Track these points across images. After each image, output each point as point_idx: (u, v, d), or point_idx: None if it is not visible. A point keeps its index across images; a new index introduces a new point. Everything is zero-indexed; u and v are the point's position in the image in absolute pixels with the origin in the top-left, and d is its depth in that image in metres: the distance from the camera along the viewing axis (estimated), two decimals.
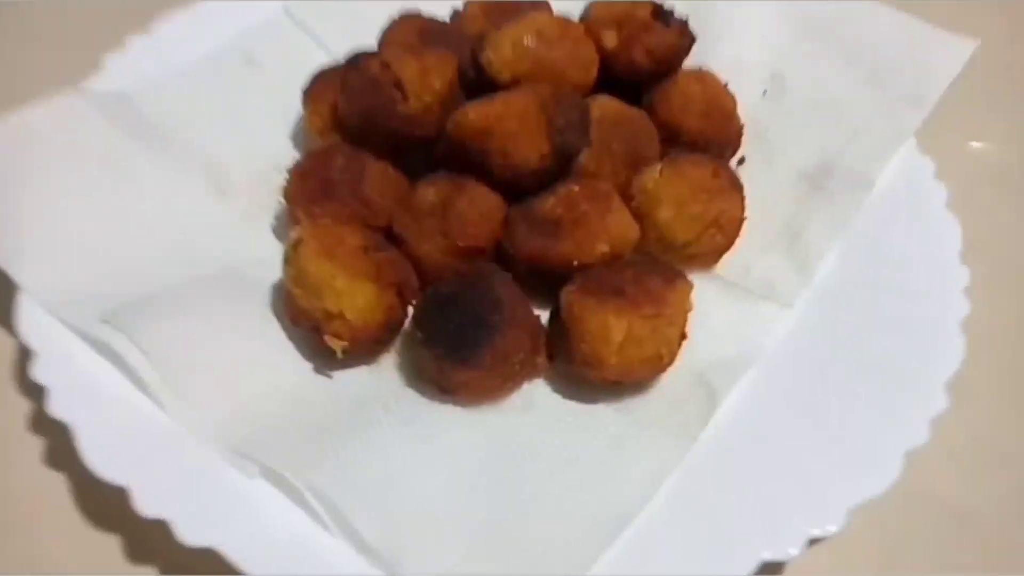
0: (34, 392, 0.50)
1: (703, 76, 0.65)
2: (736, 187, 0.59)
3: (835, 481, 0.48)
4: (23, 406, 0.54)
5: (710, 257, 0.59)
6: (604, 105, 0.61)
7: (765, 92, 0.71)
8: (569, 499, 0.47)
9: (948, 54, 0.69)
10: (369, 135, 0.57)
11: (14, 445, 0.52)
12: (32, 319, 0.49)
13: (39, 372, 0.48)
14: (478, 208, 0.55)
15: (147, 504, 0.44)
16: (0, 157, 0.55)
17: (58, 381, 0.47)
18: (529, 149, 0.54)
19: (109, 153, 0.59)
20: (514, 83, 0.59)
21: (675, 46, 0.62)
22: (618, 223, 0.54)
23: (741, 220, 0.59)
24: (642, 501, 0.47)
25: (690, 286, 0.52)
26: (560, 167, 0.56)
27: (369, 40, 0.68)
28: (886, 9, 0.73)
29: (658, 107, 0.64)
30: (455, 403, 0.51)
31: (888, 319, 0.56)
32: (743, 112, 0.68)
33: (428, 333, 0.50)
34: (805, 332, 0.56)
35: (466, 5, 0.72)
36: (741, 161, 0.67)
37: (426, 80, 0.55)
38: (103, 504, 0.47)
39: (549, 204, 0.55)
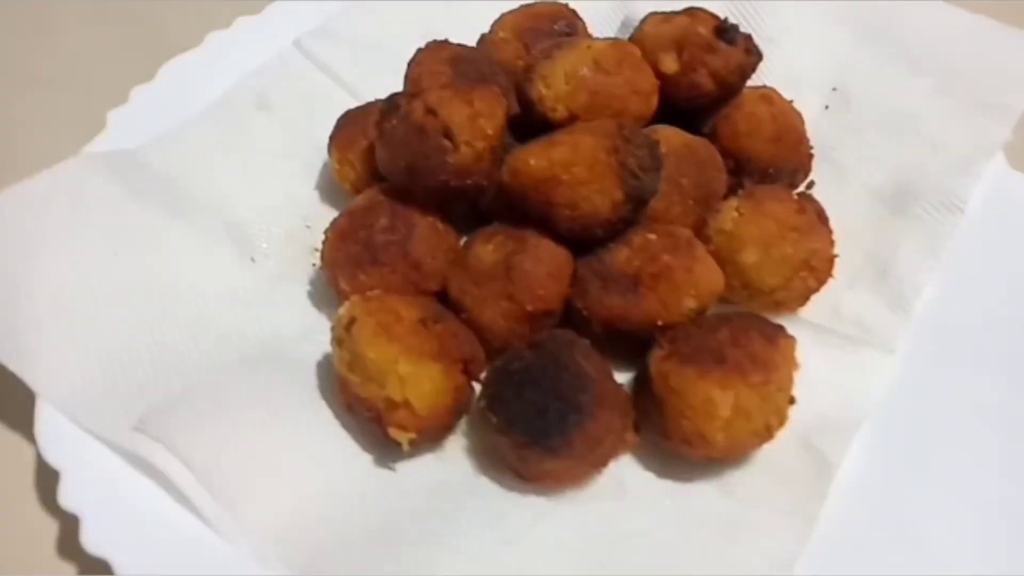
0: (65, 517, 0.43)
1: (769, 95, 0.59)
2: (824, 221, 0.53)
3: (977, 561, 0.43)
4: (52, 530, 0.47)
5: (798, 301, 0.53)
6: (668, 137, 0.55)
7: (827, 107, 0.65)
8: None
9: None
10: (414, 188, 0.51)
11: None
12: (54, 432, 0.43)
13: (68, 497, 0.41)
14: (544, 266, 0.49)
15: None
16: (2, 234, 0.49)
17: (91, 507, 0.41)
18: (600, 197, 0.48)
19: (122, 223, 0.52)
20: (570, 120, 0.53)
21: (742, 66, 0.56)
22: (705, 274, 0.48)
23: (833, 259, 0.53)
24: None
25: (794, 342, 0.47)
26: (633, 214, 0.50)
27: (391, 72, 0.62)
28: (953, 9, 0.67)
29: (723, 133, 0.58)
30: (536, 492, 0.45)
31: (1004, 356, 0.51)
32: (808, 128, 0.62)
33: (506, 417, 0.44)
34: (913, 379, 0.51)
35: (494, 26, 0.66)
36: (811, 185, 0.61)
37: (476, 125, 0.49)
38: None
39: (624, 256, 0.49)
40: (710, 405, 0.43)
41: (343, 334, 0.45)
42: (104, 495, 0.41)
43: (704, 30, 0.56)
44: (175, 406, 0.44)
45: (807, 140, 0.60)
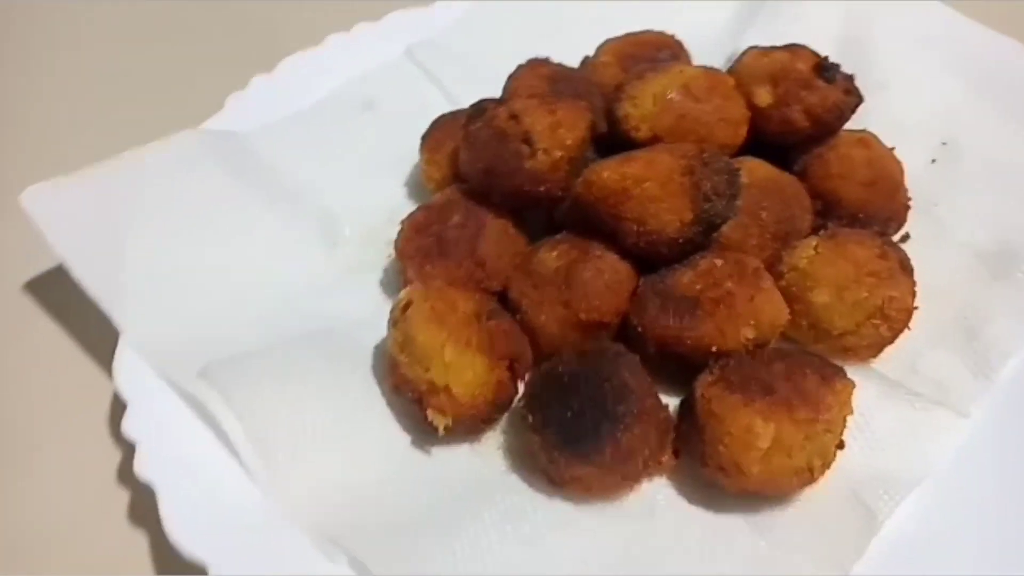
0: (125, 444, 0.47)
1: (867, 140, 0.58)
2: (907, 271, 0.51)
3: None
4: (114, 457, 0.51)
5: (870, 350, 0.51)
6: (753, 169, 0.54)
7: (934, 160, 0.63)
8: None
9: None
10: (491, 190, 0.52)
11: (102, 495, 0.49)
12: (129, 368, 0.47)
13: (130, 426, 0.45)
14: (605, 278, 0.49)
15: None
16: (112, 195, 0.53)
17: (147, 438, 0.44)
18: (669, 216, 0.48)
19: (221, 196, 0.57)
20: (653, 140, 0.53)
21: (839, 106, 0.55)
22: (768, 305, 0.47)
23: (911, 311, 0.51)
24: None
25: (852, 386, 0.45)
26: (702, 237, 0.49)
27: (494, 86, 0.64)
28: None
29: (814, 173, 0.57)
30: (565, 498, 0.45)
31: None
32: (907, 182, 0.60)
33: (542, 418, 0.44)
34: (983, 445, 0.48)
35: (598, 51, 0.67)
36: (905, 238, 0.59)
37: (556, 134, 0.50)
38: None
39: (687, 278, 0.48)
40: (749, 434, 0.42)
41: (399, 316, 0.47)
42: (161, 429, 0.45)
43: (803, 66, 0.55)
44: (239, 363, 0.47)
45: (904, 190, 0.58)
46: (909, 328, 0.52)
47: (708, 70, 0.55)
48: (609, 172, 0.48)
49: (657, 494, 0.46)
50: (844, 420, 0.44)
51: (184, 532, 0.41)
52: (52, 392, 0.54)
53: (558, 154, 0.50)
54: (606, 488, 0.45)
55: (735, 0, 0.75)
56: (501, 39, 0.73)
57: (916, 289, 0.51)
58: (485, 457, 0.47)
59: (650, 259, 0.50)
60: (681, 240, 0.48)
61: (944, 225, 0.59)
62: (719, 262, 0.49)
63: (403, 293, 0.48)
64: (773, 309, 0.48)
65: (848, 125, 0.62)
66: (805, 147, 0.57)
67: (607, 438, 0.42)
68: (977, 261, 0.57)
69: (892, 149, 0.59)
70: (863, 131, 0.59)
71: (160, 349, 0.48)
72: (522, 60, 0.67)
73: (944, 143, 0.64)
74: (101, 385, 0.52)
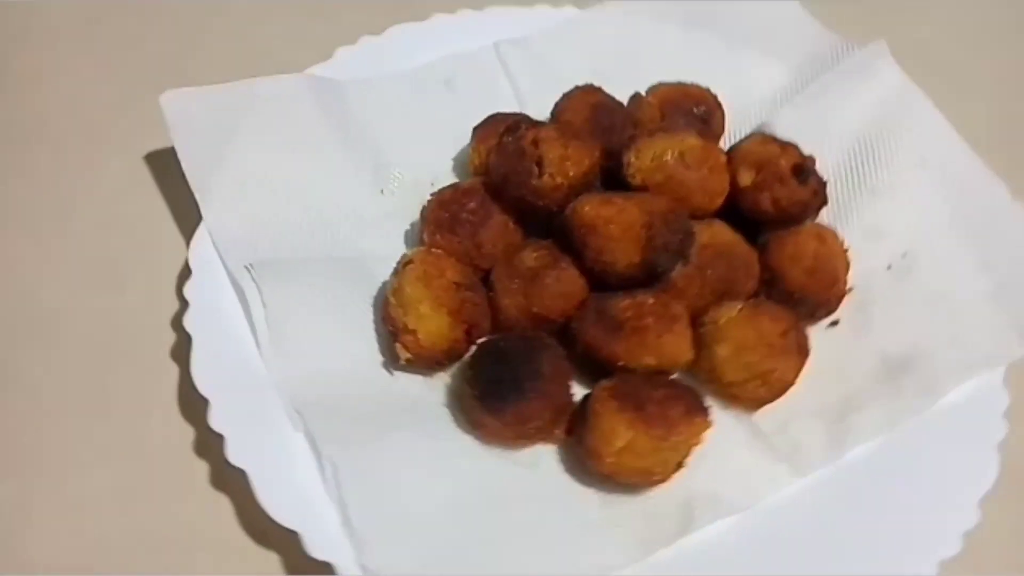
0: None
1: (824, 235, 0.68)
2: (800, 353, 0.63)
3: None
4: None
5: (751, 403, 0.63)
6: (717, 232, 0.66)
7: (890, 267, 0.73)
8: (533, 555, 0.55)
9: None
10: (504, 192, 0.66)
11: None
12: (206, 369, 0.59)
13: (216, 421, 0.57)
14: (562, 285, 0.62)
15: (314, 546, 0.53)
16: (226, 109, 0.70)
17: (234, 429, 0.57)
18: (621, 255, 0.61)
19: (307, 128, 0.72)
20: (642, 189, 0.66)
21: (803, 204, 0.66)
22: (672, 344, 0.60)
23: (788, 384, 0.62)
24: None
25: (707, 425, 0.58)
26: (647, 278, 0.62)
27: (554, 95, 0.76)
28: None
29: (770, 250, 0.68)
30: (475, 437, 0.60)
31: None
32: (860, 278, 0.71)
33: (473, 373, 0.59)
34: (805, 499, 0.60)
35: (649, 91, 0.78)
36: (834, 323, 0.70)
37: (563, 165, 0.63)
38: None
39: (622, 305, 0.61)
40: (612, 434, 0.56)
41: (400, 268, 0.62)
42: (245, 420, 0.57)
43: (785, 163, 0.66)
44: (279, 265, 0.63)
45: (841, 284, 0.68)
46: (797, 394, 0.64)
47: (707, 144, 0.67)
48: (589, 207, 0.62)
49: (544, 454, 0.61)
50: (690, 448, 0.57)
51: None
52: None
53: (560, 180, 0.64)
54: (504, 439, 0.60)
55: (794, 68, 0.84)
56: (583, 55, 0.84)
57: (804, 368, 0.63)
58: (431, 389, 0.63)
59: (601, 283, 0.63)
60: (627, 276, 0.62)
61: (871, 324, 0.69)
62: (651, 300, 0.62)
63: (409, 251, 0.63)
64: (677, 349, 0.61)
65: (833, 218, 0.73)
66: (773, 226, 0.69)
67: (510, 404, 0.57)
68: (879, 361, 0.67)
69: (846, 249, 0.69)
70: (827, 227, 0.70)
71: (226, 236, 0.64)
72: (587, 76, 0.80)
73: (904, 254, 0.73)
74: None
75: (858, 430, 0.63)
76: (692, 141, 0.66)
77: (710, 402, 0.62)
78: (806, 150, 0.75)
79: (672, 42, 0.87)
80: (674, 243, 0.61)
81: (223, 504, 0.58)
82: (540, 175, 0.63)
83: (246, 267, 0.62)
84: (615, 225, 0.60)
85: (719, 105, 0.79)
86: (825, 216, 0.75)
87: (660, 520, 0.58)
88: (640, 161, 0.65)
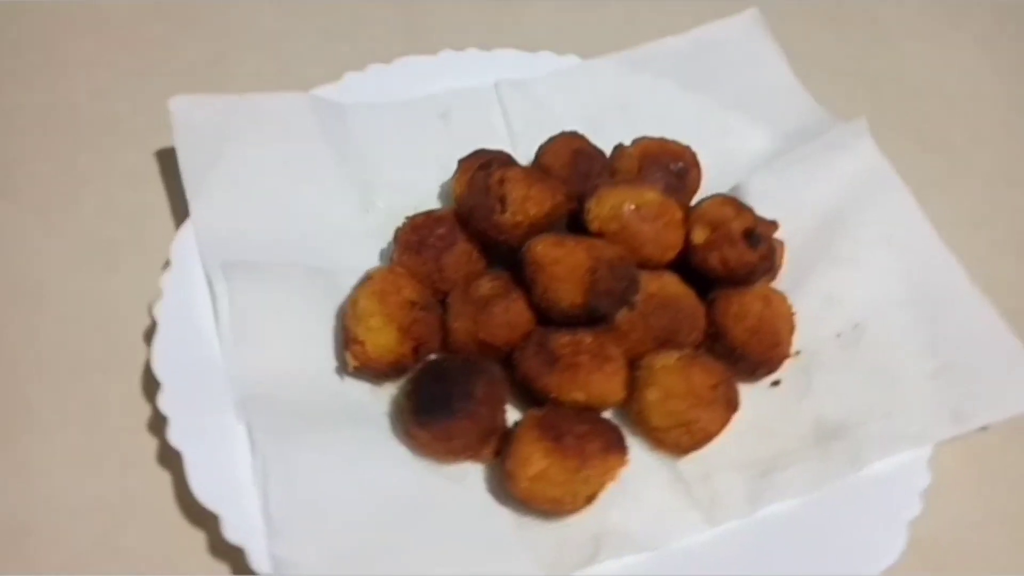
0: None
1: (771, 298, 0.71)
2: (728, 407, 0.66)
3: None
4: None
5: (675, 448, 0.66)
6: (666, 283, 0.70)
7: (839, 335, 0.75)
8: (440, 564, 0.58)
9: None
10: (470, 223, 0.70)
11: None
12: (164, 354, 0.64)
13: (163, 403, 0.61)
14: (509, 316, 0.66)
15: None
16: (229, 117, 0.76)
17: (178, 412, 0.61)
18: (564, 295, 0.64)
19: (303, 144, 0.77)
20: (598, 235, 0.69)
21: (750, 266, 0.69)
22: (601, 383, 0.64)
23: (711, 435, 0.65)
24: None
25: (622, 463, 0.61)
26: (590, 319, 0.66)
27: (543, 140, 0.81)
28: (991, 314, 0.73)
29: (717, 306, 0.71)
30: (408, 447, 0.64)
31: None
32: (809, 343, 0.73)
33: (411, 387, 0.63)
34: (713, 548, 0.63)
35: (632, 142, 0.82)
36: (776, 383, 0.73)
37: (524, 204, 0.67)
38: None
39: (562, 340, 0.65)
40: (528, 460, 0.59)
41: (360, 282, 0.67)
42: (186, 368, 0.63)
43: (738, 226, 0.69)
44: (251, 266, 0.68)
45: (784, 346, 0.71)
46: (726, 446, 0.67)
47: (665, 200, 0.70)
48: (541, 246, 0.66)
49: (472, 472, 0.64)
50: (603, 484, 0.61)
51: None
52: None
53: (520, 218, 0.68)
54: (433, 452, 0.63)
55: (779, 136, 0.88)
56: (579, 102, 0.89)
57: (731, 422, 0.66)
58: (378, 399, 0.66)
59: (548, 318, 0.67)
60: (570, 315, 0.65)
61: (811, 388, 0.71)
62: (588, 339, 0.65)
63: (373, 268, 0.68)
64: (605, 388, 0.64)
65: (791, 282, 0.76)
66: (723, 284, 0.72)
67: (438, 420, 0.61)
68: (813, 424, 0.69)
69: (794, 313, 0.72)
70: (776, 291, 0.72)
71: (209, 234, 0.69)
72: (588, 126, 0.84)
73: (856, 325, 0.75)
74: None
75: (778, 488, 0.65)
76: (651, 195, 0.69)
77: (636, 443, 0.66)
78: (773, 215, 0.79)
79: (666, 98, 0.91)
80: (617, 289, 0.65)
81: (164, 481, 0.63)
82: (502, 211, 0.68)
83: (221, 264, 0.68)
84: (561, 266, 0.64)
85: (696, 163, 0.82)
86: (784, 279, 0.78)
87: (569, 548, 0.61)
88: (599, 209, 0.69)
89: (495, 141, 0.83)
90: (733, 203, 0.71)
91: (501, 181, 0.68)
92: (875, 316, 0.75)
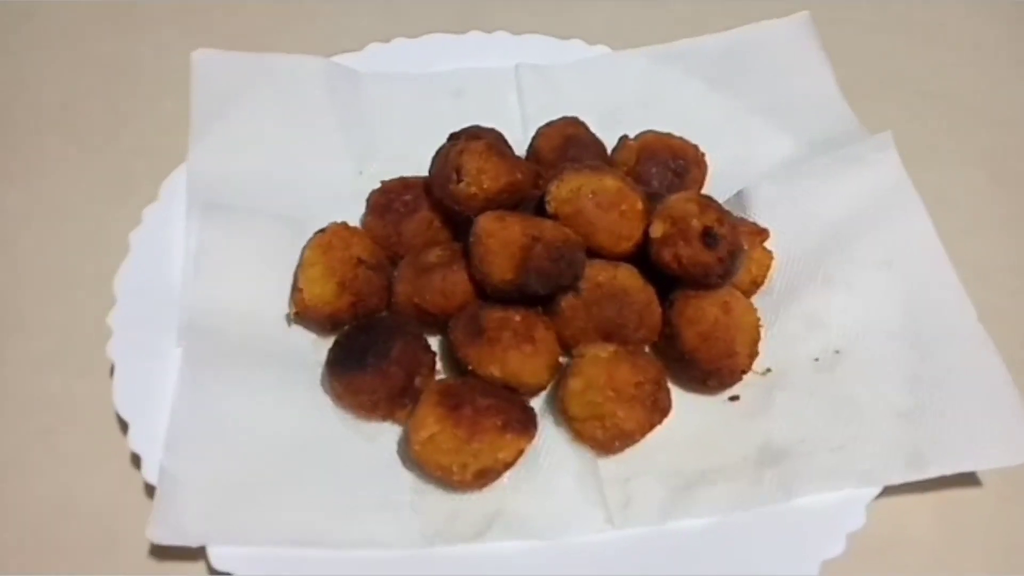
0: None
1: (732, 305, 0.67)
2: (652, 409, 0.63)
3: None
4: None
5: (594, 443, 0.64)
6: (619, 275, 0.67)
7: (817, 359, 0.70)
8: (323, 511, 0.60)
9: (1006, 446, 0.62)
10: (431, 191, 0.72)
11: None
12: (126, 275, 0.69)
13: (113, 317, 0.67)
14: (445, 284, 0.67)
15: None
16: (247, 74, 0.81)
17: (121, 323, 0.66)
18: (495, 268, 0.64)
19: (309, 106, 0.82)
20: (554, 217, 0.68)
21: (704, 267, 0.65)
22: (516, 362, 0.63)
23: (627, 434, 0.62)
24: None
25: (518, 445, 0.60)
26: (522, 297, 0.65)
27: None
28: (992, 357, 0.66)
29: (674, 306, 0.68)
30: (330, 396, 0.66)
31: None
32: (782, 363, 0.69)
33: (338, 340, 0.65)
34: (609, 547, 0.60)
35: (637, 136, 0.80)
36: (734, 398, 0.69)
37: (479, 177, 0.67)
38: None
39: (493, 315, 0.65)
40: (422, 422, 0.60)
41: (315, 233, 0.69)
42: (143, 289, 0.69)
43: (697, 223, 0.66)
44: (230, 211, 0.72)
45: (740, 358, 0.67)
46: (653, 448, 0.64)
47: (623, 188, 0.68)
48: (484, 219, 0.66)
49: (387, 432, 0.65)
50: (496, 461, 0.59)
51: None
52: None
53: (474, 190, 0.68)
54: (348, 405, 0.65)
55: (803, 144, 0.82)
56: (600, 92, 0.88)
57: (657, 427, 0.64)
58: (318, 348, 0.68)
59: (484, 291, 0.67)
60: (501, 290, 0.65)
61: (770, 408, 0.67)
62: (517, 318, 0.64)
63: (331, 222, 0.70)
64: (520, 367, 0.63)
65: (778, 297, 0.72)
66: (683, 284, 0.68)
67: (349, 373, 0.63)
68: (759, 446, 0.64)
69: (761, 326, 0.68)
70: (742, 300, 0.68)
71: (200, 176, 0.75)
72: (607, 118, 0.83)
73: (837, 351, 0.70)
74: None
75: (697, 503, 0.62)
76: (610, 183, 0.67)
77: (560, 433, 0.64)
78: (773, 225, 0.75)
79: (692, 96, 0.88)
80: (553, 271, 0.64)
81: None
82: (458, 181, 0.68)
83: (201, 203, 0.72)
84: (495, 240, 0.64)
85: (699, 163, 0.79)
86: (771, 293, 0.73)
87: (460, 521, 0.61)
88: (559, 191, 0.68)
89: (505, 120, 0.82)
90: (700, 200, 0.67)
91: (460, 152, 0.69)
92: (858, 344, 0.69)
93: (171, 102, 0.89)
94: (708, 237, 0.65)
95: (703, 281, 0.67)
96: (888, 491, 0.62)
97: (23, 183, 0.82)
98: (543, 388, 0.66)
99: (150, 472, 0.59)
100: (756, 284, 0.73)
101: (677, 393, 0.69)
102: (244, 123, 0.80)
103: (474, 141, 0.69)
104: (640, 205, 0.68)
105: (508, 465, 0.61)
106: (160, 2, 1.00)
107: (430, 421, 0.60)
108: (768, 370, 0.70)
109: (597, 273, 0.67)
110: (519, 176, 0.69)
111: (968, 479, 0.66)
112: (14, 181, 0.82)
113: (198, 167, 0.76)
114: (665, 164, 0.78)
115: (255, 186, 0.77)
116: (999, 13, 1.04)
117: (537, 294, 0.65)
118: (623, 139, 0.80)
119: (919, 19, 1.03)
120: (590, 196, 0.67)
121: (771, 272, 0.74)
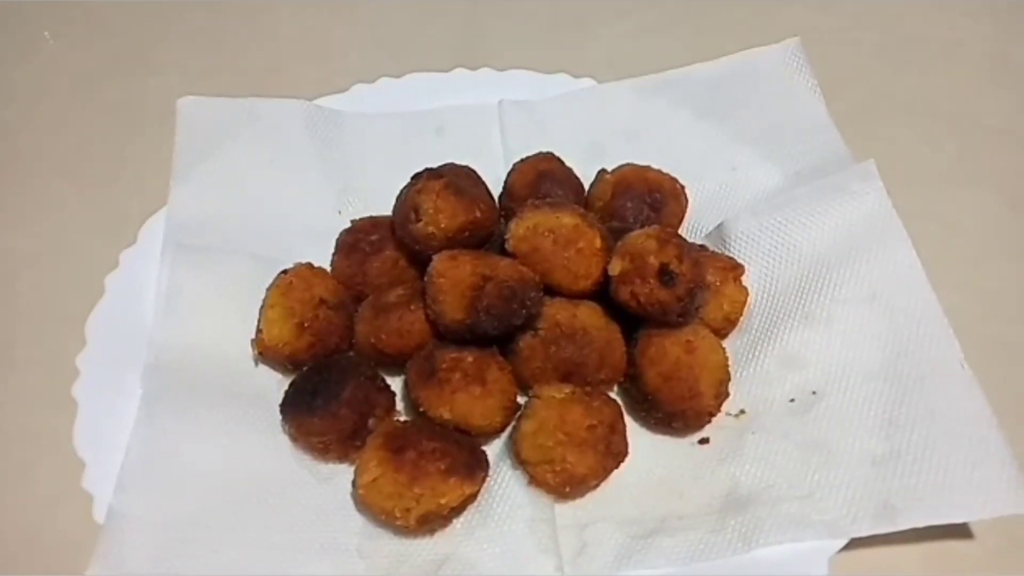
0: None
1: (696, 345, 0.65)
2: (605, 454, 0.61)
3: None
4: None
5: (549, 488, 0.62)
6: (580, 314, 0.66)
7: (793, 400, 0.66)
8: (269, 550, 0.60)
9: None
10: (395, 231, 0.72)
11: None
12: (99, 316, 0.71)
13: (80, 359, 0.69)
14: (402, 325, 0.66)
15: None
16: (223, 121, 0.83)
17: (88, 369, 0.68)
18: (447, 308, 0.63)
19: (291, 149, 0.83)
20: (513, 255, 0.67)
21: (662, 305, 0.63)
22: (465, 404, 0.62)
23: (579, 478, 0.61)
24: None
25: (463, 492, 0.59)
26: (475, 338, 0.64)
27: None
28: (978, 400, 0.62)
29: (637, 346, 0.66)
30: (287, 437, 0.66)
31: None
32: (757, 404, 0.67)
33: (292, 382, 0.66)
34: None
35: (614, 169, 0.78)
36: (704, 440, 0.66)
37: (436, 216, 0.67)
38: None
39: (445, 356, 0.64)
40: (367, 465, 0.59)
41: (279, 274, 0.70)
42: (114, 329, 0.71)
43: (654, 260, 0.64)
44: (207, 251, 0.74)
45: (705, 400, 0.64)
46: (613, 491, 0.62)
47: (580, 227, 0.66)
48: (437, 260, 0.65)
49: (343, 474, 0.64)
50: (439, 506, 0.58)
51: None
52: None
53: (431, 229, 0.68)
54: (303, 446, 0.65)
55: (790, 175, 0.79)
56: (584, 126, 0.87)
57: (612, 472, 0.62)
58: (281, 386, 0.69)
59: (438, 330, 0.66)
60: (453, 330, 0.64)
61: (739, 452, 0.64)
62: (470, 359, 0.63)
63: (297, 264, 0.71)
64: (471, 410, 0.62)
65: (755, 336, 0.70)
66: (647, 322, 0.66)
67: (299, 415, 0.63)
68: (724, 492, 0.62)
69: (728, 366, 0.65)
70: (709, 338, 0.66)
71: (179, 217, 0.76)
72: (591, 151, 0.82)
73: (814, 392, 0.66)
74: None
75: (655, 553, 0.60)
76: (566, 220, 0.66)
77: (516, 477, 0.63)
78: (753, 259, 0.72)
79: (678, 127, 0.86)
80: (505, 311, 0.63)
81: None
82: (416, 220, 0.68)
83: (175, 245, 0.74)
84: (445, 279, 0.63)
85: (677, 196, 0.77)
86: (748, 331, 0.71)
87: (405, 565, 0.60)
88: (518, 229, 0.67)
89: (486, 157, 0.82)
90: (660, 236, 0.65)
91: (419, 191, 0.68)
92: (836, 385, 0.66)
93: (170, 148, 0.92)
94: (664, 275, 0.63)
95: (662, 319, 0.65)
96: (874, 540, 0.58)
97: (18, 224, 0.86)
98: (498, 430, 0.65)
99: (100, 512, 0.60)
100: (731, 322, 0.71)
101: (645, 436, 0.67)
102: (225, 166, 0.81)
103: (433, 180, 0.69)
104: (599, 243, 0.66)
105: (455, 510, 0.60)
106: (164, 49, 1.03)
107: (372, 464, 0.59)
108: (742, 411, 0.67)
109: (556, 312, 0.66)
110: (478, 215, 0.69)
111: (959, 530, 0.61)
112: (12, 222, 0.86)
113: (177, 209, 0.78)
114: (641, 198, 0.76)
115: (233, 227, 0.78)
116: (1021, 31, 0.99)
117: (488, 334, 0.64)
118: (601, 173, 0.79)
119: (934, 38, 0.99)
120: (547, 234, 0.66)
121: (747, 309, 0.71)
